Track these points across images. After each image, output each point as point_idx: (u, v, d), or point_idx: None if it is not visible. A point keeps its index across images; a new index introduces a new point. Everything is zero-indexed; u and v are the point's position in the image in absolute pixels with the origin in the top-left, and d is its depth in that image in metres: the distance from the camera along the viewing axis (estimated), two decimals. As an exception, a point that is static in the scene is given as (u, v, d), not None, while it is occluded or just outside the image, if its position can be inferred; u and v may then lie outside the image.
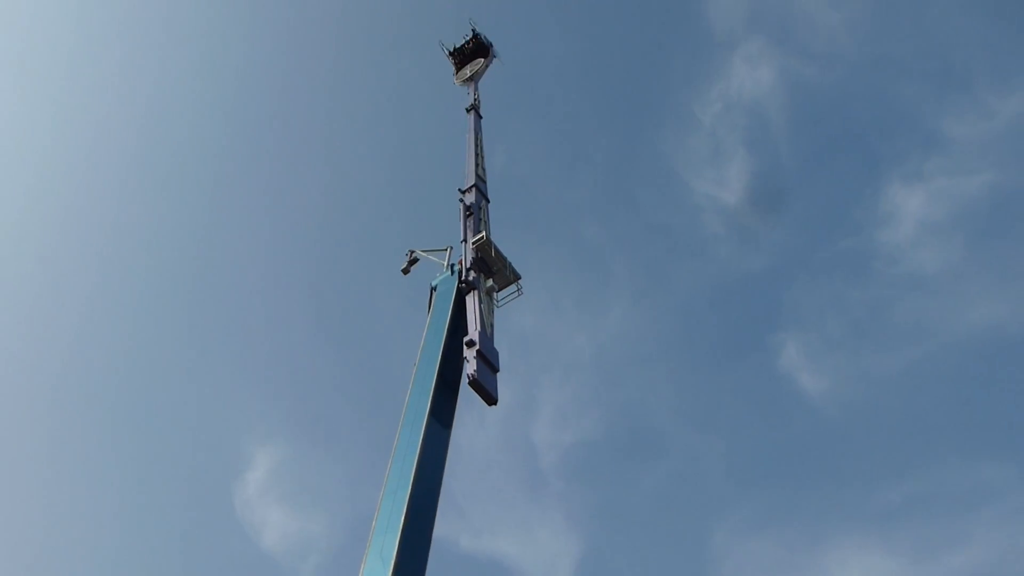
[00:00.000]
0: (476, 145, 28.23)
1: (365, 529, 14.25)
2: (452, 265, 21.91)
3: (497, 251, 22.59)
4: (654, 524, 50.46)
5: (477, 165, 26.89)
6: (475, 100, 31.97)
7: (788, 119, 62.60)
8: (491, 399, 17.62)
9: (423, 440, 15.61)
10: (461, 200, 24.85)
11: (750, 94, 62.64)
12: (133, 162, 62.95)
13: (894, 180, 57.76)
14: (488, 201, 25.48)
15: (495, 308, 21.88)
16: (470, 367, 17.56)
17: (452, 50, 36.38)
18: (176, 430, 56.47)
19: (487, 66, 35.51)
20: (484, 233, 22.81)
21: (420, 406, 16.60)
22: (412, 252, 23.56)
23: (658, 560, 48.49)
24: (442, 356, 17.93)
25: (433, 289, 21.37)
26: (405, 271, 23.75)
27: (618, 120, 68.04)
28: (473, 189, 25.20)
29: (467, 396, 17.65)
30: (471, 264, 21.58)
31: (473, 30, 36.47)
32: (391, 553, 13.58)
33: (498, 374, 18.21)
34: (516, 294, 22.59)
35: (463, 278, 20.95)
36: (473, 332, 18.54)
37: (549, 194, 63.30)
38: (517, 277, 22.49)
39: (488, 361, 18.10)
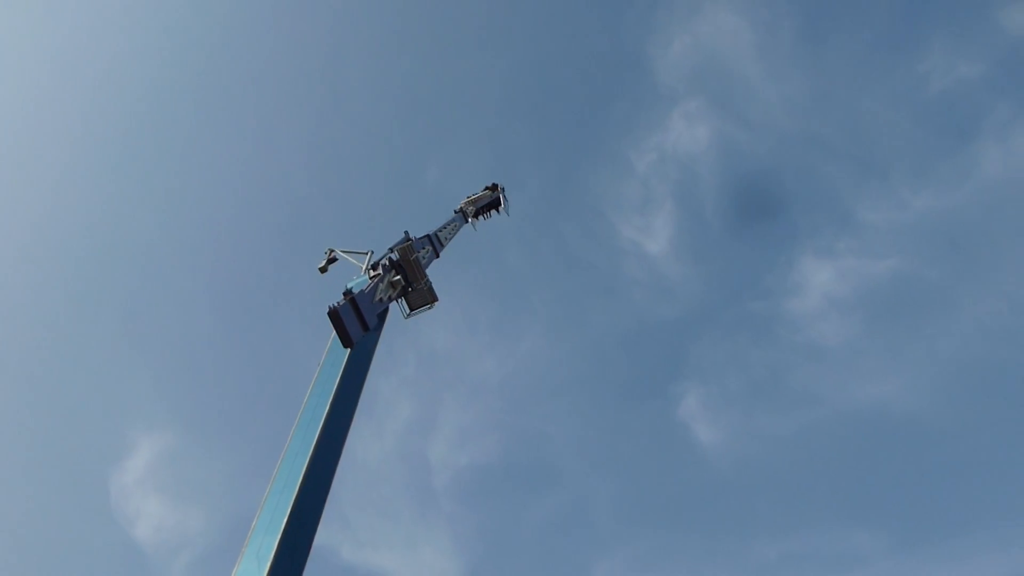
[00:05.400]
0: (450, 231, 27.76)
1: (244, 529, 13.75)
2: (371, 269, 21.67)
3: (419, 266, 22.47)
4: (537, 555, 50.84)
5: (443, 232, 26.58)
6: (470, 220, 31.33)
7: (717, 179, 65.03)
8: (347, 339, 17.60)
9: (317, 444, 15.18)
10: (407, 232, 24.09)
11: (685, 149, 64.79)
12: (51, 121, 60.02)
13: (807, 252, 60.78)
14: (438, 257, 24.97)
15: (405, 319, 21.86)
16: (336, 303, 17.73)
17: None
18: (54, 407, 53.55)
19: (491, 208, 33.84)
20: (407, 236, 22.61)
21: (318, 409, 16.16)
22: (331, 251, 23.18)
23: (536, 591, 48.66)
24: (347, 361, 17.59)
25: (347, 292, 21.06)
26: (323, 269, 23.33)
27: (555, 154, 69.23)
28: (427, 239, 24.66)
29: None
30: (388, 263, 21.63)
31: (498, 186, 34.14)
32: (268, 554, 13.12)
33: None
34: (427, 307, 22.60)
35: (373, 268, 20.97)
36: (356, 289, 18.83)
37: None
38: (435, 299, 22.51)
39: (360, 312, 18.22)
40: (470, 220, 31.53)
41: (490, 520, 52.31)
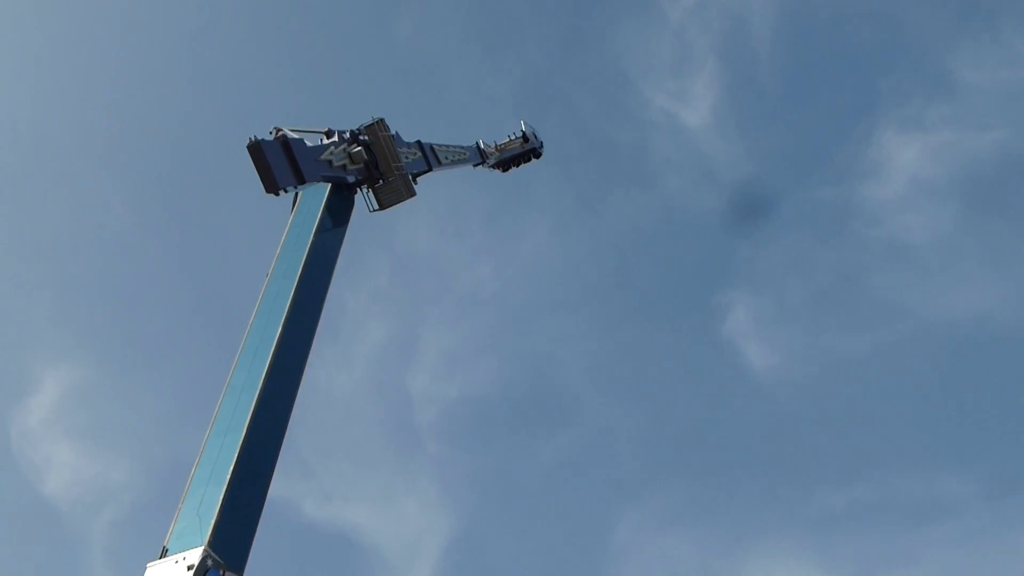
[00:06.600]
0: (454, 155, 24.58)
1: (181, 481, 12.16)
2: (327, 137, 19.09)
3: (392, 149, 19.55)
4: (547, 506, 43.05)
5: (443, 150, 23.56)
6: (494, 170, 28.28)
7: (774, 29, 52.86)
8: (271, 182, 15.81)
9: (268, 372, 13.32)
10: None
11: (731, -9, 51.58)
12: None
13: (890, 124, 49.48)
14: (429, 170, 21.93)
15: (371, 213, 19.30)
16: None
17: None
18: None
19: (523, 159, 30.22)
20: (382, 120, 19.51)
21: (269, 329, 14.13)
22: (278, 130, 19.84)
23: (546, 551, 41.44)
24: (303, 269, 15.21)
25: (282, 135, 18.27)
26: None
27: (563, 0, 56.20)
28: (419, 144, 21.64)
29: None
30: (350, 135, 19.29)
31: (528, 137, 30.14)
32: (212, 510, 11.58)
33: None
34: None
35: (328, 136, 18.84)
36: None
37: (463, 79, 53.70)
38: (411, 194, 19.73)
39: (293, 159, 16.57)
40: (493, 169, 28.32)
41: (487, 465, 43.78)
